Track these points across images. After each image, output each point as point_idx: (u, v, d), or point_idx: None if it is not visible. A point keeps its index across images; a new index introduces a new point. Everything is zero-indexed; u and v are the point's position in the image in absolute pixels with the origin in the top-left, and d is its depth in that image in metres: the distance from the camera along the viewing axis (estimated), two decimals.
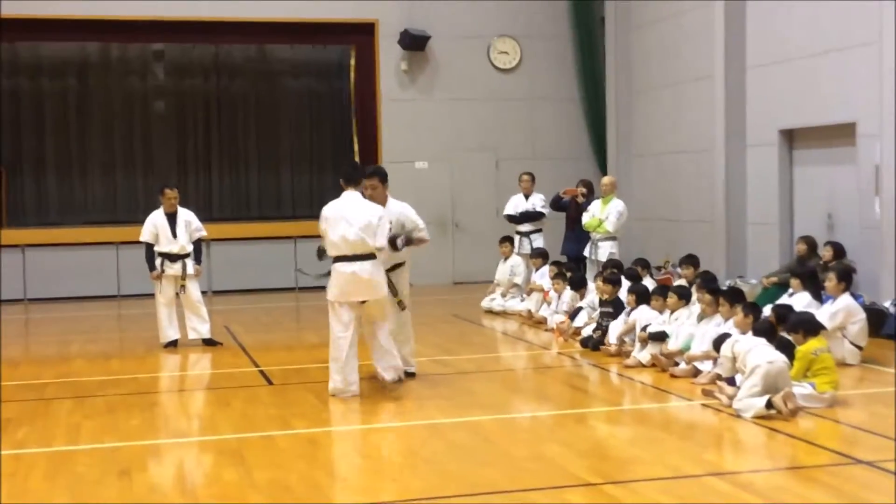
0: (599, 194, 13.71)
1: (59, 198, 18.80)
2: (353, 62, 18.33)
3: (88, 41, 18.36)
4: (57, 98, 18.86)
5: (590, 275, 12.86)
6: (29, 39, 17.91)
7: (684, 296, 9.86)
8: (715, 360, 8.59)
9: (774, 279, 12.01)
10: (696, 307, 9.60)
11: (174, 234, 11.44)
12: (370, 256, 8.36)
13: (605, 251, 13.18)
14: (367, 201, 8.51)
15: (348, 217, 8.31)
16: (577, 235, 13.82)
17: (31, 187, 18.68)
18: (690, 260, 11.81)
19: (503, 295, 14.13)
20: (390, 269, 8.92)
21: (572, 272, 12.74)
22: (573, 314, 11.67)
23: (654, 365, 9.42)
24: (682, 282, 11.47)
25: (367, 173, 8.95)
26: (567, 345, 11.14)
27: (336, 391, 8.48)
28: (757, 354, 7.60)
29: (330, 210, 8.43)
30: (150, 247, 11.49)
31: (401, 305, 9.06)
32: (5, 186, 18.20)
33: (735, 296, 9.12)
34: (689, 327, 9.39)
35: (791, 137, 13.74)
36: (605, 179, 13.87)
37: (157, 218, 11.52)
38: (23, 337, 13.79)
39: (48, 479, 6.31)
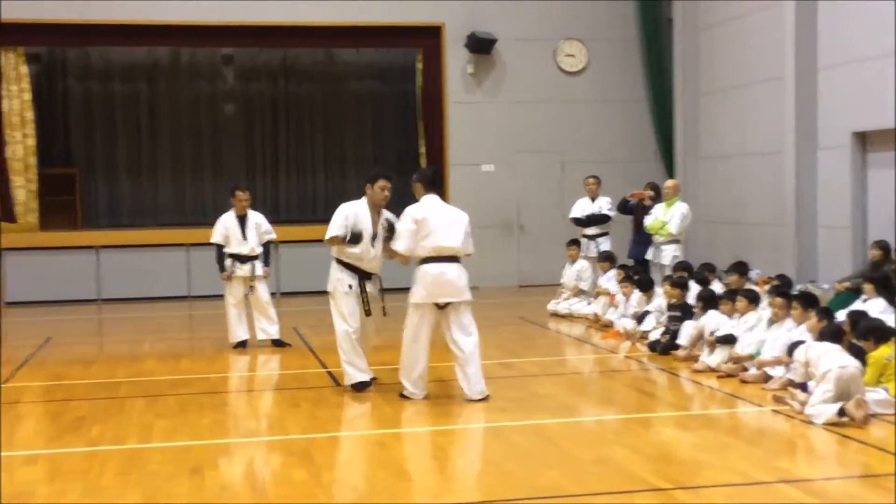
0: (664, 197, 13.62)
1: (130, 200, 19.16)
2: (419, 65, 18.40)
3: (159, 46, 18.67)
4: (128, 102, 19.22)
5: (654, 278, 12.76)
6: (101, 44, 18.26)
7: (753, 300, 9.75)
8: (786, 366, 8.48)
9: (847, 284, 11.79)
10: (766, 312, 9.48)
11: (244, 236, 11.60)
12: (457, 259, 8.43)
13: (668, 254, 13.09)
14: (453, 207, 8.58)
15: (446, 224, 8.39)
16: (644, 239, 13.73)
17: (104, 190, 19.07)
18: (737, 267, 11.54)
19: (567, 298, 14.08)
20: (368, 277, 8.94)
21: (639, 275, 12.66)
22: (640, 318, 11.60)
23: (726, 369, 9.32)
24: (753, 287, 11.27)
25: (386, 175, 8.96)
26: (634, 349, 11.08)
27: (411, 395, 8.54)
28: (829, 359, 7.49)
29: (422, 213, 8.40)
30: (220, 248, 11.66)
31: (367, 312, 8.94)
32: (79, 189, 18.59)
33: (809, 300, 8.99)
34: (759, 332, 9.28)
35: (864, 140, 13.49)
36: (669, 182, 13.76)
37: (227, 220, 11.69)
38: (96, 336, 14.08)
39: (121, 476, 6.43)
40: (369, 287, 8.91)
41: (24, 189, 17.12)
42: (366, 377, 8.96)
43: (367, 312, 8.91)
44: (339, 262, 8.93)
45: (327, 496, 5.96)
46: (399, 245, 8.49)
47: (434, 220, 8.37)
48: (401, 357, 8.62)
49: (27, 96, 17.17)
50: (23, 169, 17.12)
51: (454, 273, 8.38)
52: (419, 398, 8.51)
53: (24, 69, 17.18)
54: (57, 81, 18.93)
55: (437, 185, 8.70)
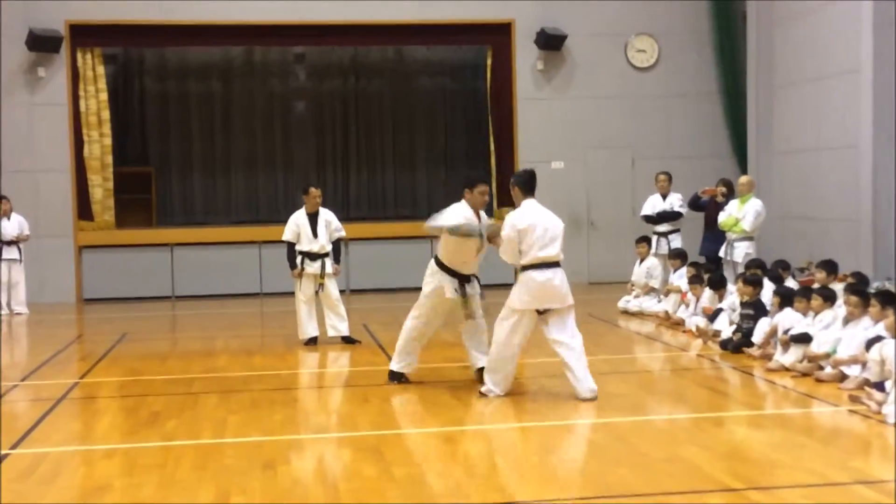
0: (738, 194, 13.45)
1: (204, 198, 19.47)
2: (489, 62, 18.39)
3: (232, 45, 18.92)
4: (202, 101, 19.52)
5: (726, 276, 12.61)
6: (175, 45, 18.58)
7: (829, 298, 9.58)
8: (863, 365, 8.32)
9: None
10: (841, 310, 9.31)
11: (315, 234, 11.69)
12: (559, 264, 8.38)
13: (741, 251, 12.93)
14: (550, 211, 8.52)
15: (550, 229, 8.32)
16: (716, 236, 13.58)
17: (179, 188, 19.40)
18: (826, 265, 11.32)
19: (637, 296, 13.97)
20: (467, 280, 8.89)
21: (711, 273, 12.52)
22: (713, 316, 11.46)
23: (801, 368, 9.18)
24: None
25: (486, 181, 9.06)
26: (706, 347, 10.96)
27: (488, 392, 8.52)
28: None
29: (527, 221, 8.29)
30: (291, 246, 11.77)
31: (468, 316, 8.94)
32: (155, 187, 18.93)
33: (887, 298, 8.80)
34: (835, 331, 9.12)
35: None
36: (743, 179, 13.60)
37: (299, 218, 11.79)
38: (171, 332, 14.32)
39: (196, 470, 6.52)
40: (469, 290, 8.88)
41: (100, 188, 17.47)
42: (407, 371, 9.25)
43: (468, 316, 8.90)
44: (441, 265, 8.90)
45: (399, 492, 5.98)
46: (505, 257, 8.43)
47: (539, 229, 8.29)
48: (489, 357, 8.61)
49: (104, 96, 17.51)
50: (99, 168, 17.47)
51: (559, 279, 8.33)
52: (496, 395, 8.48)
53: (101, 69, 17.52)
54: (133, 81, 19.31)
55: (535, 188, 8.57)
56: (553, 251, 8.32)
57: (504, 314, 8.48)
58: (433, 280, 8.94)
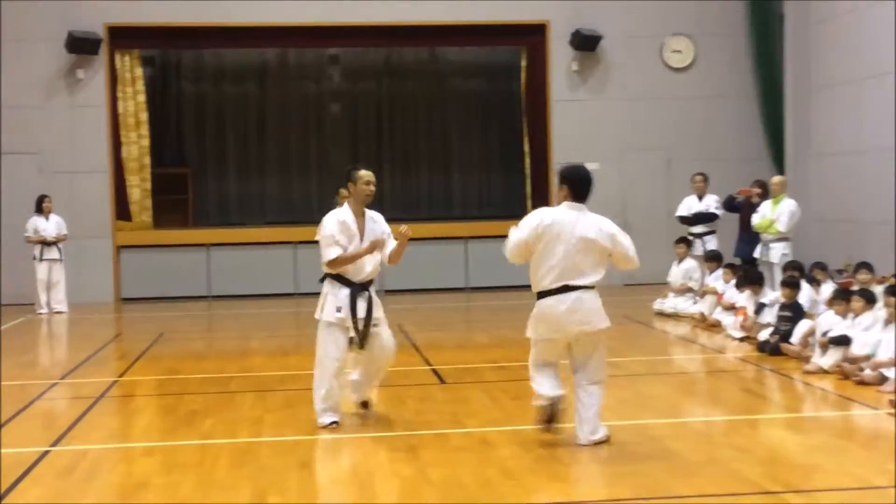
0: (771, 194, 13.36)
1: (239, 199, 19.58)
2: (523, 63, 18.37)
3: (268, 47, 19.02)
4: (238, 103, 19.65)
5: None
6: (212, 47, 18.71)
7: (870, 300, 9.49)
8: None
9: None
10: (882, 312, 9.21)
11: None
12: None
13: (777, 252, 12.83)
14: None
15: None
16: (751, 237, 13.50)
17: (214, 189, 19.52)
18: (866, 266, 11.28)
19: (676, 295, 13.90)
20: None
21: (747, 273, 12.45)
22: (757, 310, 11.37)
23: (839, 371, 9.10)
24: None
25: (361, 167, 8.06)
26: (742, 347, 10.89)
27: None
28: None
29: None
30: None
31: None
32: (191, 188, 19.07)
33: None
34: (875, 333, 9.03)
35: None
36: (775, 179, 13.50)
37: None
38: (207, 332, 14.41)
39: (233, 468, 6.57)
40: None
41: (138, 188, 17.64)
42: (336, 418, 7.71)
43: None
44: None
45: (435, 492, 5.99)
46: None
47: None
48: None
49: (141, 98, 17.68)
50: (137, 169, 17.63)
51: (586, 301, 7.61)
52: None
53: (139, 72, 17.70)
54: (170, 83, 19.46)
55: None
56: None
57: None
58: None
